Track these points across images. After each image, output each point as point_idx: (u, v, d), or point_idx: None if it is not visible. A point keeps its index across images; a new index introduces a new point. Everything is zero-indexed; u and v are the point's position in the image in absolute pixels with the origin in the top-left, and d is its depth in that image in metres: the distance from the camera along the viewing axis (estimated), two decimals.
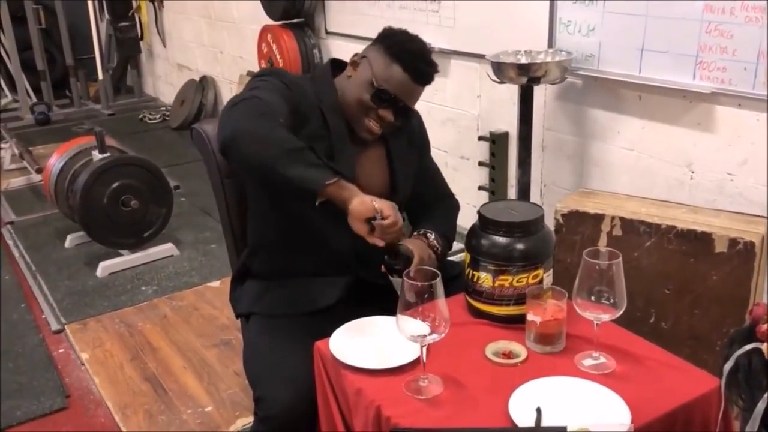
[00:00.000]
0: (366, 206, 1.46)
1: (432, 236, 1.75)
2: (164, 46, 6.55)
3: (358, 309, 1.60)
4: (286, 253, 1.76)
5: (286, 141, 1.49)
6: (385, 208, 1.48)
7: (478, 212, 1.57)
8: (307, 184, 1.47)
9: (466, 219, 1.84)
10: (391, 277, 1.63)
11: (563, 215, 2.16)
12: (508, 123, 2.97)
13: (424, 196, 1.89)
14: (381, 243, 1.50)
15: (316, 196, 1.47)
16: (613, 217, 2.09)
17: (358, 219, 1.47)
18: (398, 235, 1.54)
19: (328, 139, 1.68)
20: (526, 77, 2.44)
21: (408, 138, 1.85)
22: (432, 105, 3.36)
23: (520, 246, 1.50)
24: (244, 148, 1.48)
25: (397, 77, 1.64)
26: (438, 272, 1.29)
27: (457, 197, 2.00)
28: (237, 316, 1.87)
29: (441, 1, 3.13)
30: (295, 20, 4.15)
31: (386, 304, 1.50)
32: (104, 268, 3.44)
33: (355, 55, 1.73)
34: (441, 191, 1.97)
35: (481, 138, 3.12)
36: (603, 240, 2.11)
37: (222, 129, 1.52)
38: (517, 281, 1.50)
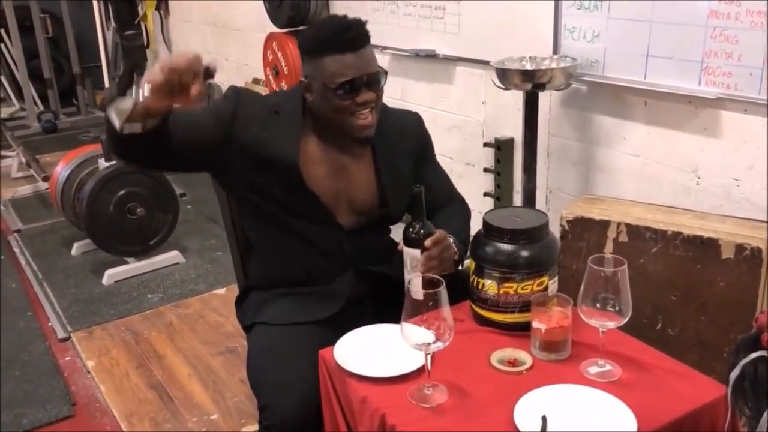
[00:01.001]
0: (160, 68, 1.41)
1: (452, 239, 1.67)
2: (170, 53, 6.58)
3: (361, 317, 1.60)
4: (278, 260, 1.78)
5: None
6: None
7: (483, 219, 1.57)
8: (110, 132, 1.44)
9: (471, 225, 1.83)
10: (405, 248, 1.60)
11: (569, 221, 2.16)
12: (514, 129, 2.97)
13: (432, 201, 1.81)
14: None
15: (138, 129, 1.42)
16: (618, 224, 2.08)
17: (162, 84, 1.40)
18: None
19: (269, 144, 1.66)
20: (531, 83, 2.44)
21: (400, 144, 1.82)
22: (437, 111, 3.36)
23: (524, 253, 1.49)
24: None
25: (338, 63, 1.60)
26: (442, 280, 1.29)
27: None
28: (244, 329, 1.87)
29: (446, 7, 3.13)
30: (301, 28, 4.15)
31: (390, 299, 1.49)
32: (110, 275, 3.45)
33: (300, 81, 1.71)
34: (450, 195, 1.94)
35: (486, 144, 3.11)
36: (609, 246, 2.10)
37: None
38: (522, 288, 1.50)
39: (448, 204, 1.90)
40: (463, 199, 1.97)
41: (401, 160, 1.82)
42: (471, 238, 1.62)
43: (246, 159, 1.66)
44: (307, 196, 1.68)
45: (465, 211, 1.94)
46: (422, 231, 1.58)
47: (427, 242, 1.57)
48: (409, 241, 1.59)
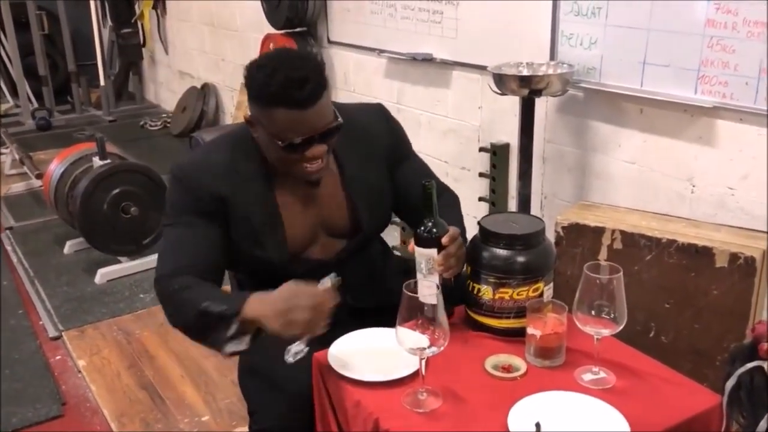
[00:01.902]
0: (282, 323, 1.36)
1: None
2: (166, 53, 6.56)
3: (356, 320, 1.59)
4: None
5: (186, 315, 1.48)
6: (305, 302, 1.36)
7: (479, 224, 1.57)
8: (221, 348, 1.45)
9: (466, 230, 1.83)
10: (418, 249, 1.50)
11: (564, 228, 2.16)
12: (509, 134, 2.97)
13: (417, 197, 1.65)
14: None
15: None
16: (613, 231, 2.08)
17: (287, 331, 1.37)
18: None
19: (252, 219, 1.59)
20: (527, 89, 2.44)
21: (368, 148, 1.69)
22: (433, 116, 3.36)
23: (520, 259, 1.49)
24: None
25: (288, 119, 1.45)
26: (437, 285, 1.29)
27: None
28: None
29: (444, 12, 3.13)
30: (298, 29, 4.15)
31: (382, 317, 1.49)
32: (103, 274, 3.43)
33: (245, 116, 1.58)
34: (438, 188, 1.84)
35: (481, 149, 3.11)
36: (603, 253, 2.10)
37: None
38: (518, 294, 1.50)
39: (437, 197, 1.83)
40: (448, 188, 1.87)
41: (372, 169, 1.70)
42: (467, 243, 1.60)
43: (233, 234, 1.60)
44: (296, 258, 1.63)
45: (456, 202, 1.85)
46: (435, 230, 1.48)
47: (445, 239, 1.47)
48: (423, 241, 1.49)
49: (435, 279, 1.46)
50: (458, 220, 1.71)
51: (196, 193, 1.56)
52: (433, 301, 1.26)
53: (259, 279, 1.60)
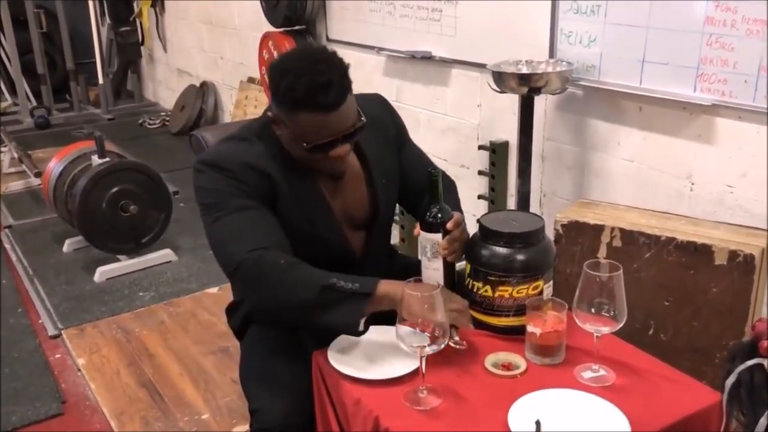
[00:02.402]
0: (416, 306, 1.31)
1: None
2: (165, 51, 6.56)
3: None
4: None
5: (305, 291, 1.43)
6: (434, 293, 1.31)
7: (479, 222, 1.57)
8: (343, 327, 1.45)
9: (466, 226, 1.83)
10: (423, 234, 1.53)
11: (563, 226, 2.16)
12: (509, 132, 2.97)
13: (418, 182, 1.73)
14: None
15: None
16: (612, 228, 2.08)
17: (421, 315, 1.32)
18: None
19: (302, 203, 1.59)
20: (526, 87, 2.44)
21: (381, 135, 1.72)
22: (432, 114, 3.36)
23: (520, 257, 1.49)
24: (278, 320, 1.59)
25: (313, 122, 1.46)
26: (438, 283, 1.29)
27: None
28: (235, 334, 1.85)
29: (443, 9, 3.13)
30: (297, 27, 4.15)
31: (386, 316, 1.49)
32: (102, 273, 3.43)
33: (267, 108, 1.59)
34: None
35: (481, 147, 3.11)
36: (603, 251, 2.10)
37: (248, 300, 1.63)
38: (517, 292, 1.50)
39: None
40: (444, 173, 1.83)
41: (386, 156, 1.73)
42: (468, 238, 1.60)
43: (281, 213, 1.58)
44: (333, 232, 1.64)
45: (453, 187, 1.86)
46: (440, 215, 1.52)
47: (450, 224, 1.50)
48: (429, 226, 1.53)
49: (439, 262, 1.53)
50: (456, 204, 1.75)
51: (237, 173, 1.52)
52: (439, 279, 1.34)
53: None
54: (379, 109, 1.78)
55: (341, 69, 1.49)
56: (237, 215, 1.50)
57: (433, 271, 1.54)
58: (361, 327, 1.43)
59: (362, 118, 1.55)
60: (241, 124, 1.73)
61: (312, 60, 1.48)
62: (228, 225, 1.51)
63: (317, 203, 1.61)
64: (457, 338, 1.45)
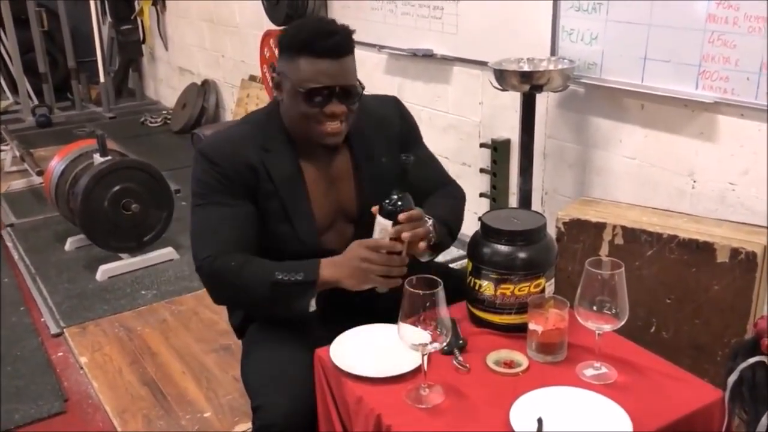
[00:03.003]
0: (359, 281, 1.51)
1: (430, 222, 1.58)
2: (166, 49, 6.56)
3: (358, 316, 1.59)
4: None
5: (256, 289, 1.53)
6: (376, 246, 1.49)
7: (481, 220, 1.57)
8: (297, 313, 1.55)
9: (467, 226, 1.82)
10: (379, 216, 1.54)
11: (565, 223, 2.16)
12: (510, 130, 2.97)
13: (422, 187, 1.73)
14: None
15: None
16: (614, 226, 2.08)
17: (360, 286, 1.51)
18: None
19: (280, 194, 1.62)
20: (528, 85, 2.44)
21: (381, 136, 1.73)
22: (434, 111, 3.36)
23: (522, 255, 1.49)
24: (237, 308, 1.68)
25: (312, 67, 1.51)
26: (439, 281, 1.29)
27: None
28: (236, 332, 1.86)
29: (444, 7, 3.13)
30: None
31: (386, 313, 1.49)
32: (104, 271, 3.43)
33: (272, 76, 1.64)
34: (440, 180, 1.86)
35: (482, 145, 3.11)
36: (604, 249, 2.10)
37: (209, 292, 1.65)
38: (519, 290, 1.50)
39: (440, 188, 1.83)
40: (454, 182, 1.89)
41: (382, 156, 1.72)
42: (468, 240, 1.60)
43: (259, 208, 1.64)
44: (317, 242, 1.66)
45: (457, 195, 1.85)
46: (399, 203, 1.51)
47: (401, 217, 1.50)
48: (384, 212, 1.53)
49: None
50: (449, 213, 1.73)
51: (224, 167, 1.58)
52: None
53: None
54: (389, 109, 1.81)
55: (348, 29, 1.57)
56: (212, 209, 1.60)
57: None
58: (313, 307, 1.53)
59: (362, 86, 1.61)
60: (251, 114, 1.80)
61: (321, 17, 1.59)
62: (200, 218, 1.62)
63: (298, 202, 1.64)
64: (460, 359, 1.44)
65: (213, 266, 1.55)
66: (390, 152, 1.73)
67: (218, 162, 1.59)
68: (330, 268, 1.50)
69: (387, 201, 1.53)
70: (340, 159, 1.70)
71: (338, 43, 1.52)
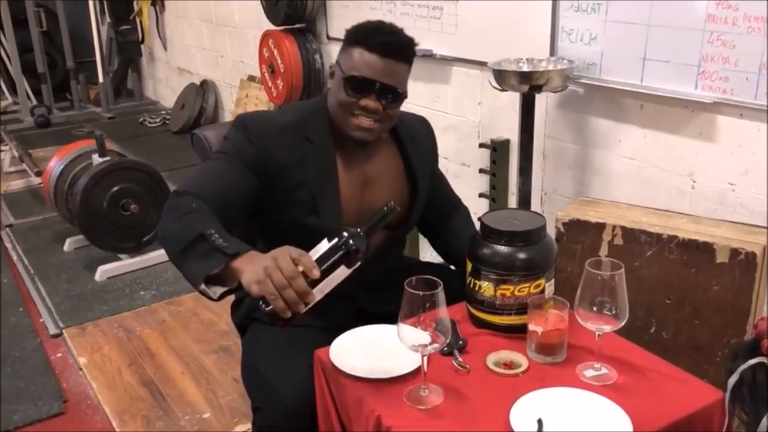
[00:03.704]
0: (255, 275, 1.25)
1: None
2: (165, 49, 6.55)
3: (357, 318, 1.59)
4: None
5: (182, 237, 1.39)
6: (281, 262, 1.23)
7: (480, 221, 1.57)
8: (188, 281, 1.37)
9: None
10: (325, 240, 1.32)
11: (564, 224, 2.16)
12: (510, 130, 2.97)
13: (437, 206, 1.86)
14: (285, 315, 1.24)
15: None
16: (614, 227, 2.08)
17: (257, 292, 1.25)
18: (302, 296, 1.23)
19: (310, 185, 1.63)
20: (527, 85, 2.44)
21: (422, 154, 1.81)
22: (433, 111, 3.36)
23: (522, 255, 1.49)
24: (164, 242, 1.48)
25: (362, 58, 1.57)
26: (439, 281, 1.28)
27: None
28: (237, 328, 1.86)
29: (443, 7, 3.13)
30: (297, 25, 4.15)
31: (386, 315, 1.49)
32: (103, 272, 3.43)
33: (331, 66, 1.68)
34: (452, 200, 1.97)
35: (482, 145, 3.11)
36: (604, 249, 2.10)
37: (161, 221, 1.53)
38: (519, 291, 1.50)
39: (453, 212, 1.92)
40: (461, 202, 1.99)
41: (428, 171, 1.82)
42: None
43: (286, 198, 1.63)
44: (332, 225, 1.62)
45: (470, 221, 1.96)
46: (351, 242, 1.30)
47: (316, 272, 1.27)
48: (338, 243, 1.31)
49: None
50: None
51: (258, 147, 1.59)
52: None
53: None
54: (422, 129, 1.88)
55: (410, 39, 1.64)
56: (221, 164, 1.60)
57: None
58: (215, 295, 1.34)
59: (405, 94, 1.64)
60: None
61: (390, 23, 1.64)
62: (207, 165, 1.65)
63: (327, 196, 1.64)
64: (460, 359, 1.44)
65: (176, 199, 1.51)
66: (429, 170, 1.83)
67: (256, 140, 1.60)
68: (247, 259, 1.31)
69: (344, 234, 1.31)
70: (379, 161, 1.72)
71: (393, 43, 1.58)
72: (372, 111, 1.59)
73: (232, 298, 1.84)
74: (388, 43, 1.58)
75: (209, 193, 1.52)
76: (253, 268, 1.26)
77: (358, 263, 1.32)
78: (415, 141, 1.80)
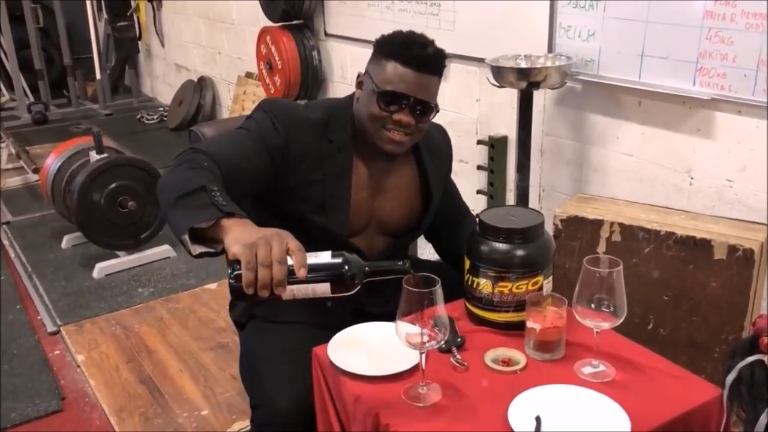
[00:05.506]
0: (242, 243, 1.17)
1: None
2: (162, 46, 6.54)
3: (356, 315, 1.59)
4: None
5: (183, 186, 1.33)
6: (270, 239, 1.16)
7: (478, 218, 1.56)
8: (173, 229, 1.29)
9: None
10: (327, 253, 1.25)
11: (562, 221, 2.16)
12: (508, 127, 2.97)
13: (447, 214, 1.86)
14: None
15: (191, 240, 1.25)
16: (612, 223, 2.08)
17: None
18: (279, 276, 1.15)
19: (323, 185, 1.63)
20: (525, 82, 2.44)
21: (439, 162, 1.82)
22: None
23: (520, 252, 1.49)
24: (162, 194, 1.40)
25: (396, 72, 1.56)
26: (437, 279, 1.28)
27: None
28: (236, 325, 1.85)
29: (441, 4, 3.12)
30: (295, 22, 4.14)
31: (384, 312, 1.49)
32: (101, 269, 3.43)
33: (359, 75, 1.68)
34: (460, 209, 1.96)
35: (480, 142, 3.11)
36: (602, 246, 2.10)
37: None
38: (517, 288, 1.49)
39: (460, 220, 1.92)
40: (469, 211, 1.99)
41: (441, 180, 1.83)
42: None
43: (297, 192, 1.63)
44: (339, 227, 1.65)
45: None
46: (347, 268, 1.23)
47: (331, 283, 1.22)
48: (340, 263, 1.23)
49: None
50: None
51: (278, 132, 1.59)
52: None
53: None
54: (441, 137, 1.88)
55: (441, 51, 1.62)
56: (241, 137, 1.59)
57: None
58: (195, 251, 1.25)
59: (437, 107, 1.64)
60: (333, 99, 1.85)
61: (421, 34, 1.62)
62: (226, 135, 1.64)
63: (338, 197, 1.64)
64: (458, 357, 1.44)
65: (190, 154, 1.47)
66: (441, 181, 1.83)
67: (281, 126, 1.59)
68: (240, 223, 1.25)
69: (354, 261, 1.25)
70: (395, 171, 1.72)
71: (427, 57, 1.57)
72: (404, 125, 1.59)
73: (226, 294, 1.84)
74: (423, 57, 1.57)
75: (224, 159, 1.49)
76: (243, 232, 1.20)
77: (342, 294, 1.24)
78: (433, 151, 1.80)
